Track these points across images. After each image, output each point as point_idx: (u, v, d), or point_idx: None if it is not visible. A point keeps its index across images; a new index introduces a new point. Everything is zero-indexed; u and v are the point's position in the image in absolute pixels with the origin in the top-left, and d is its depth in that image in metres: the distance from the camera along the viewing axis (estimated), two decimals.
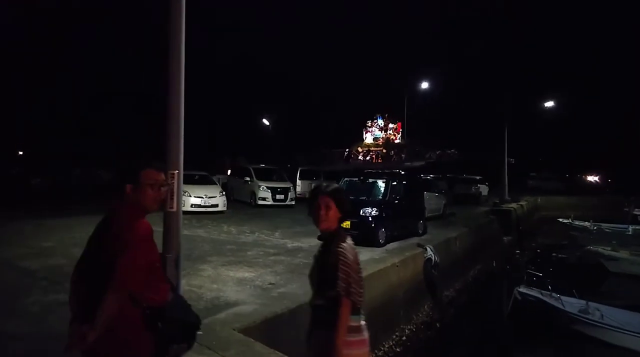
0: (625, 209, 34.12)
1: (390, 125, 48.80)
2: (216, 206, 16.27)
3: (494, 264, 17.12)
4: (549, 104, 31.29)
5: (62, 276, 6.91)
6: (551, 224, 28.43)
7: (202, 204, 15.99)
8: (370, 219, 10.43)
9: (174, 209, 3.84)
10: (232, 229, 12.76)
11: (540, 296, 11.25)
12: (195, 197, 15.95)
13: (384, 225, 10.64)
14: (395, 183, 11.42)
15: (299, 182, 22.64)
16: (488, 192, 32.04)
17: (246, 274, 7.46)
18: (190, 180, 17.11)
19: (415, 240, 11.92)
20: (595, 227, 24.61)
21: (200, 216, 15.42)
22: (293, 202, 19.82)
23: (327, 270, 2.48)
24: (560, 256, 21.44)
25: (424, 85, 41.82)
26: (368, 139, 48.70)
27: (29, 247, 9.18)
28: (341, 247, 2.52)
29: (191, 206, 15.83)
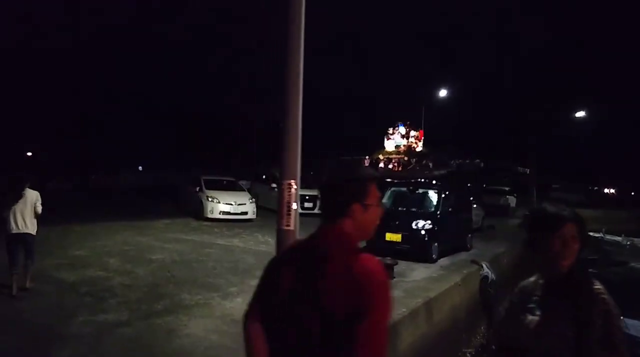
0: None
1: (412, 133, 48.12)
2: (245, 213, 15.62)
3: None
4: (580, 114, 30.30)
5: (106, 292, 6.29)
6: None
7: (232, 211, 15.34)
8: (423, 232, 9.69)
9: (292, 227, 3.17)
10: (269, 239, 12.06)
11: None
12: (224, 203, 15.31)
13: (437, 239, 9.90)
14: (447, 194, 10.69)
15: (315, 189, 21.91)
16: (516, 203, 31.09)
17: None
18: (217, 185, 16.54)
19: (464, 255, 11.17)
20: (628, 242, 23.67)
21: (230, 223, 14.77)
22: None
23: (587, 327, 1.73)
24: (594, 272, 20.52)
25: (442, 93, 41.29)
26: (389, 146, 48.00)
27: (60, 256, 8.57)
28: (602, 293, 1.78)
29: (220, 213, 15.20)
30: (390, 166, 43.57)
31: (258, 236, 12.57)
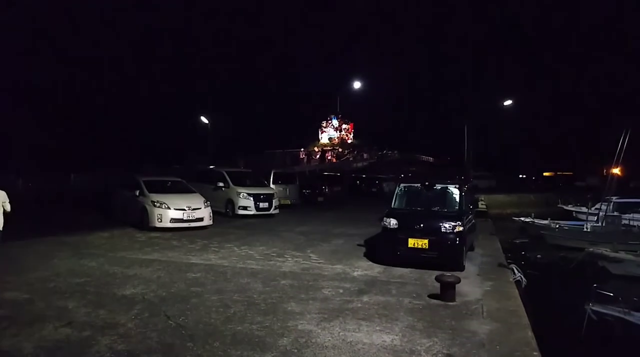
0: (559, 205, 35.37)
1: (344, 126, 48.07)
2: (201, 219, 13.13)
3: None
4: (507, 102, 31.26)
5: None
6: (505, 222, 28.22)
7: (185, 218, 12.79)
8: (453, 236, 8.23)
9: None
10: (250, 252, 9.92)
11: (619, 314, 10.26)
12: (175, 209, 12.70)
13: (465, 243, 8.53)
14: (466, 189, 9.37)
15: (273, 187, 19.75)
16: None
17: (385, 338, 4.92)
18: (162, 188, 13.85)
19: (478, 258, 9.97)
20: (557, 226, 24.65)
21: (184, 233, 12.29)
22: (277, 211, 17.09)
23: None
24: (538, 257, 20.82)
25: (357, 85, 41.20)
26: (324, 139, 47.63)
27: None
28: None
29: (170, 221, 12.60)
30: (329, 158, 42.46)
31: (233, 249, 10.33)
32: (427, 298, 6.50)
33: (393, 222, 8.65)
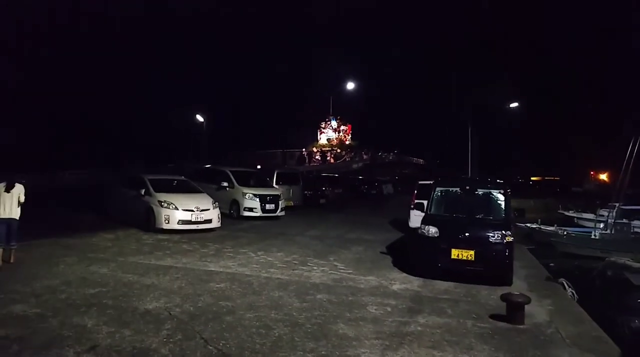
0: (559, 211, 34.90)
1: (342, 127, 48.04)
2: (209, 221, 12.28)
3: None
4: (514, 104, 30.80)
5: None
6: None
7: (193, 220, 11.93)
8: (501, 247, 7.52)
9: None
10: (269, 259, 9.12)
11: None
12: (183, 210, 11.84)
13: (514, 255, 7.83)
14: (510, 194, 8.66)
15: (276, 187, 18.88)
16: None
17: None
18: (168, 187, 12.95)
19: (518, 270, 9.26)
20: (564, 233, 24.14)
21: (193, 235, 11.45)
22: (283, 213, 16.27)
23: None
24: (551, 265, 20.22)
25: (350, 86, 40.92)
26: (322, 139, 47.41)
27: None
28: None
29: (178, 223, 11.74)
30: (328, 158, 41.96)
31: (249, 254, 9.55)
32: (491, 320, 5.77)
33: (433, 230, 7.92)
